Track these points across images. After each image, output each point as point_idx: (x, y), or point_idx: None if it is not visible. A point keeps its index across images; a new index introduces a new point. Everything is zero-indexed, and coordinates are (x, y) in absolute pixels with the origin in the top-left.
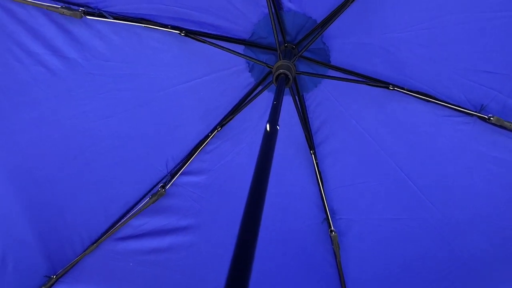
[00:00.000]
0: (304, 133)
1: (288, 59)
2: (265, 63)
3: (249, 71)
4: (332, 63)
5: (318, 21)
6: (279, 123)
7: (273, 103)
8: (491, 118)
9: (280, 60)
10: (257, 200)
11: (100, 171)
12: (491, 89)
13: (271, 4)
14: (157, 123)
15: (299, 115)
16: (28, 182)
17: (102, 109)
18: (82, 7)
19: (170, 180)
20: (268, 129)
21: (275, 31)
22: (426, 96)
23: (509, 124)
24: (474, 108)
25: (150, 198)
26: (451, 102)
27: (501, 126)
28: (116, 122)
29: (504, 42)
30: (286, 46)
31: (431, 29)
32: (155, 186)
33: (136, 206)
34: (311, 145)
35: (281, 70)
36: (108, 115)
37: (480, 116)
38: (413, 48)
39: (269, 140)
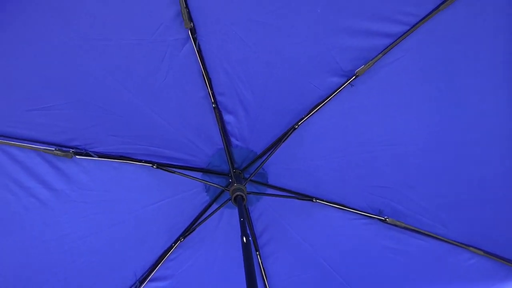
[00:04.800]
0: (251, 238)
1: (239, 183)
2: (223, 187)
3: (205, 192)
4: (270, 183)
5: (258, 153)
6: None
7: (240, 220)
8: (387, 219)
9: (234, 184)
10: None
11: (80, 283)
12: (385, 198)
13: (225, 143)
14: (127, 240)
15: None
16: None
17: (81, 230)
18: (72, 148)
19: (139, 286)
20: (244, 241)
21: (229, 162)
22: (340, 205)
23: (399, 223)
24: (374, 212)
25: None
26: (358, 208)
27: (394, 225)
28: (93, 240)
29: (390, 165)
30: (234, 172)
31: (339, 158)
32: None
33: None
34: (257, 247)
35: (238, 193)
36: (86, 235)
37: (379, 218)
38: (328, 171)
39: (247, 248)
